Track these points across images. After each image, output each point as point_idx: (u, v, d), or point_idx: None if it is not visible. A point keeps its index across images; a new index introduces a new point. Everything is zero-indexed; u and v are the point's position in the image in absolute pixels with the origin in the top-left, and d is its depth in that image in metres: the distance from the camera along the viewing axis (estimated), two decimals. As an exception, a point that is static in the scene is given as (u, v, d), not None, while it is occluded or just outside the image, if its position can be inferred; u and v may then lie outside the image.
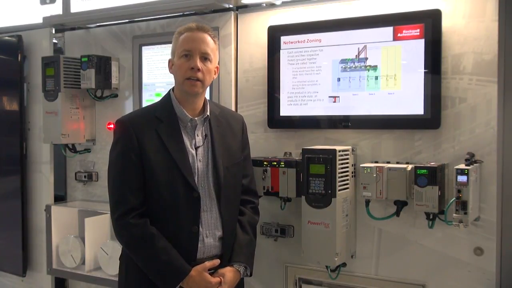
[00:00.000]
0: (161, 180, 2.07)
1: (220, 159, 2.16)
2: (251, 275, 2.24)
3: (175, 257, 2.05)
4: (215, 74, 2.19)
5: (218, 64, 2.24)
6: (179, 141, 2.11)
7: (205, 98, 2.21)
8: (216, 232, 2.14)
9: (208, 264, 2.09)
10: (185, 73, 2.09)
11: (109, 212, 2.13)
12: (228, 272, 2.13)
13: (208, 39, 2.13)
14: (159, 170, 2.07)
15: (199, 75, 2.08)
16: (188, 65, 2.08)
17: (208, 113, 2.18)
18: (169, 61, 2.19)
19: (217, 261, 2.12)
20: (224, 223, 2.15)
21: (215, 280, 2.08)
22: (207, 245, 2.11)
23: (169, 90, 2.21)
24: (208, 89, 2.78)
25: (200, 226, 2.10)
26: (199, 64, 2.08)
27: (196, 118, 2.15)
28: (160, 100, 2.25)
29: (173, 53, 2.16)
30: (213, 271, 2.12)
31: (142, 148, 2.07)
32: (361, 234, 2.46)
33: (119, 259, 2.26)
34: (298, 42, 2.56)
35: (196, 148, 2.14)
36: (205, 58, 2.11)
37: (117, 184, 2.10)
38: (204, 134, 2.17)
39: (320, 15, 2.54)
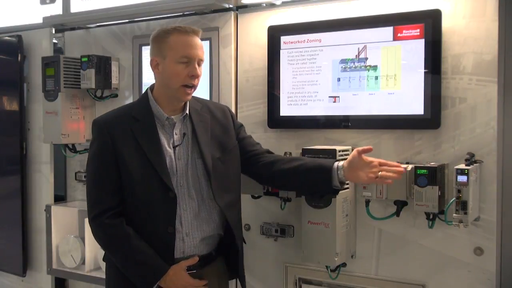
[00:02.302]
0: (136, 180, 2.05)
1: (209, 153, 2.12)
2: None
3: (151, 256, 2.03)
4: None
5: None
6: (154, 140, 2.08)
7: None
8: (197, 232, 2.11)
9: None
10: (183, 79, 2.05)
11: None
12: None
13: (201, 43, 2.10)
14: (133, 170, 2.05)
15: (196, 82, 2.08)
16: (187, 72, 2.05)
17: (187, 112, 2.15)
18: (154, 59, 2.10)
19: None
20: (219, 213, 2.13)
21: (196, 282, 2.06)
22: (187, 244, 2.09)
23: (147, 89, 2.18)
24: (208, 89, 2.80)
25: (180, 226, 2.08)
26: (198, 71, 2.07)
27: (173, 117, 2.13)
28: (137, 99, 2.24)
29: (160, 53, 2.07)
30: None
31: (116, 149, 2.05)
32: (361, 234, 2.46)
33: (103, 260, 2.26)
34: (298, 42, 2.56)
35: (174, 147, 2.11)
36: (198, 64, 2.09)
37: (92, 184, 2.10)
38: (182, 132, 2.14)
39: (320, 15, 2.54)
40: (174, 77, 2.06)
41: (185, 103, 2.17)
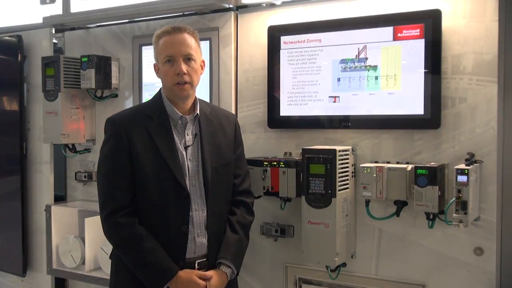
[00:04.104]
0: (151, 178, 2.07)
1: (209, 160, 2.14)
2: (237, 274, 2.21)
3: (162, 258, 2.04)
4: (202, 69, 2.18)
5: (204, 59, 2.21)
6: (169, 139, 2.10)
7: (195, 97, 2.20)
8: (208, 233, 2.13)
9: (197, 273, 2.07)
10: (172, 79, 2.08)
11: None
12: (214, 276, 2.10)
13: (187, 38, 2.10)
14: (148, 168, 2.06)
15: (186, 78, 2.08)
16: (173, 71, 2.07)
17: (198, 112, 2.17)
18: (155, 65, 2.19)
19: (210, 274, 2.09)
20: (209, 225, 2.13)
21: (202, 283, 2.06)
22: (198, 244, 2.11)
23: (160, 89, 2.21)
24: (208, 89, 2.80)
25: (191, 226, 2.09)
26: (184, 68, 2.06)
27: (186, 116, 2.15)
28: (151, 98, 2.25)
29: (156, 58, 2.16)
30: (205, 269, 2.10)
31: (132, 147, 2.07)
32: (361, 234, 2.46)
33: (110, 257, 2.26)
34: (298, 42, 2.56)
35: (186, 148, 2.13)
36: (188, 58, 2.09)
37: (106, 182, 2.10)
38: (194, 133, 2.16)
39: (320, 15, 2.54)
40: (165, 78, 2.11)
41: (194, 104, 2.18)
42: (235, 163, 2.28)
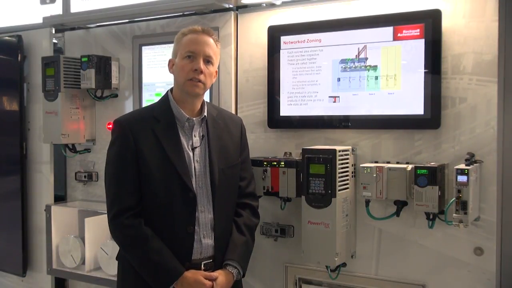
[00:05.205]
0: (157, 180, 2.07)
1: (216, 161, 2.15)
2: (243, 276, 2.21)
3: (168, 258, 2.04)
4: (214, 77, 2.20)
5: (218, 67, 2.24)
6: (176, 141, 2.11)
7: (203, 100, 2.22)
8: (214, 234, 2.13)
9: (205, 273, 2.08)
10: (187, 74, 2.09)
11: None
12: (221, 276, 2.10)
13: (212, 42, 2.15)
14: (155, 170, 2.07)
15: (201, 77, 2.10)
16: (191, 67, 2.09)
17: (206, 114, 2.18)
18: (170, 61, 2.20)
19: (216, 274, 2.09)
20: (216, 226, 2.14)
21: (208, 283, 2.06)
22: (204, 245, 2.11)
23: (167, 91, 2.22)
24: (208, 89, 2.79)
25: (197, 227, 2.10)
26: (202, 66, 2.09)
27: (194, 118, 2.15)
28: (158, 100, 2.25)
29: (175, 53, 2.17)
30: (211, 270, 2.11)
31: (138, 148, 2.07)
32: (361, 234, 2.46)
33: (116, 258, 2.26)
34: (298, 42, 2.56)
35: (193, 149, 2.13)
36: (208, 61, 2.12)
37: (113, 184, 2.11)
38: (201, 134, 2.17)
39: (320, 15, 2.54)
40: (181, 71, 2.11)
41: (202, 106, 2.20)
42: (241, 165, 2.29)
